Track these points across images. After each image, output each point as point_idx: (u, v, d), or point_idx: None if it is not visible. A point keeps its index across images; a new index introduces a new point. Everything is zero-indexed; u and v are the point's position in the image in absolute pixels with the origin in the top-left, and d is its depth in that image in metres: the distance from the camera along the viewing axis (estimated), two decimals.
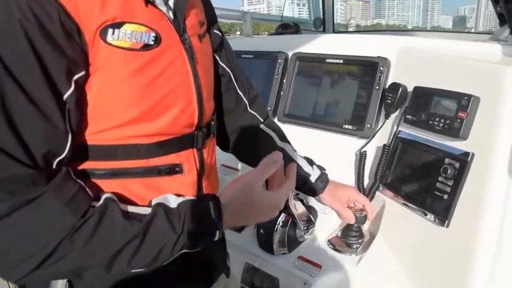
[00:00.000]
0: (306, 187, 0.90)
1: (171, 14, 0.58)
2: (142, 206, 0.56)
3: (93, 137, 0.53)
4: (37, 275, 0.46)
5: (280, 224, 0.93)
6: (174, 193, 0.59)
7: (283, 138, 0.90)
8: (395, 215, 0.98)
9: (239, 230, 1.06)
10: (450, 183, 0.83)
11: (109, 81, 0.51)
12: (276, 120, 1.28)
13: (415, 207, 0.91)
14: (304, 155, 0.93)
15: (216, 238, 0.57)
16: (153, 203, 0.56)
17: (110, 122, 0.53)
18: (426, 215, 0.87)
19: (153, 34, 0.54)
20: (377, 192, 1.02)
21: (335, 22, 2.78)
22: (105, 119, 0.52)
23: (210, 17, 0.75)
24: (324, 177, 0.92)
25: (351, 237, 0.98)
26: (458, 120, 0.83)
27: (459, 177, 0.81)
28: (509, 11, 1.05)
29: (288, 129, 0.97)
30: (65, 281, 0.57)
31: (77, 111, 0.49)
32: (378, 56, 1.12)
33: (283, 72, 1.34)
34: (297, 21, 2.47)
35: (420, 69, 1.03)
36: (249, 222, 0.68)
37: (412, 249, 0.91)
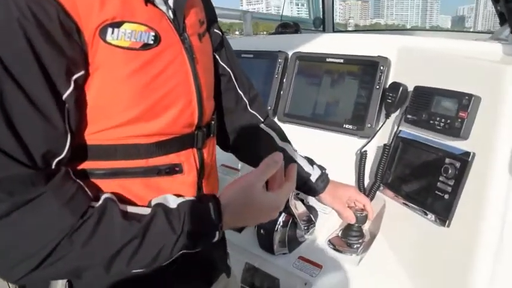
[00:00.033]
0: (307, 187, 0.90)
1: (170, 13, 0.58)
2: (142, 206, 0.56)
3: (92, 136, 0.53)
4: (36, 275, 0.46)
5: (281, 224, 0.93)
6: (174, 193, 0.59)
7: (284, 138, 0.90)
8: (396, 215, 0.97)
9: (239, 230, 1.06)
10: (451, 183, 0.82)
11: (109, 81, 0.50)
12: (276, 119, 1.28)
13: (415, 207, 0.90)
14: (304, 154, 0.92)
15: (216, 239, 0.57)
16: (153, 203, 0.56)
17: (110, 121, 0.52)
18: (427, 214, 0.87)
19: (152, 33, 0.53)
20: (377, 192, 1.02)
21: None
22: (105, 119, 0.52)
23: (210, 16, 0.74)
24: (324, 177, 0.92)
25: (352, 237, 0.98)
26: (459, 120, 0.83)
27: (460, 177, 0.81)
28: (510, 10, 1.05)
29: (288, 128, 0.96)
30: (64, 281, 0.57)
31: (76, 111, 0.49)
32: (378, 56, 1.12)
33: (283, 72, 1.33)
34: (296, 21, 2.47)
35: (421, 69, 1.02)
36: (248, 223, 0.68)
37: (413, 249, 0.91)
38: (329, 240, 1.00)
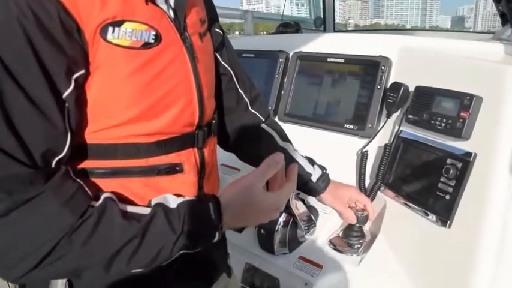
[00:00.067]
0: (307, 187, 0.90)
1: (171, 12, 0.58)
2: (142, 206, 0.55)
3: (92, 135, 0.52)
4: (35, 275, 0.46)
5: (281, 224, 0.93)
6: (175, 193, 0.59)
7: (285, 138, 0.90)
8: (396, 215, 0.97)
9: (240, 230, 1.06)
10: (452, 183, 0.82)
11: (109, 80, 0.50)
12: (276, 119, 1.28)
13: (416, 207, 0.90)
14: (305, 154, 0.92)
15: (216, 239, 0.57)
16: (153, 203, 0.56)
17: (110, 120, 0.52)
18: (428, 215, 0.87)
19: (153, 32, 0.53)
20: (378, 192, 1.02)
21: None
22: (105, 118, 0.52)
23: (211, 15, 0.74)
24: (325, 177, 0.92)
25: (352, 237, 0.98)
26: (461, 120, 0.82)
27: (461, 178, 0.81)
28: (511, 10, 1.05)
29: (288, 128, 0.96)
30: (64, 280, 0.56)
31: (76, 110, 0.48)
32: (380, 56, 1.11)
33: (284, 72, 1.33)
34: (297, 20, 2.47)
35: (422, 69, 1.02)
36: (249, 224, 0.68)
37: (414, 249, 0.91)
38: (329, 241, 1.00)
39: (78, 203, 0.48)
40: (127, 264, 0.50)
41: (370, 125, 1.09)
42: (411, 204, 0.92)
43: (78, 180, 0.50)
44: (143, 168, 0.56)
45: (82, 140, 0.52)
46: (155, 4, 0.54)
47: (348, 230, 0.99)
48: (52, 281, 0.57)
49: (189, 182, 0.62)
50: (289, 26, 2.00)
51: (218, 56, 0.79)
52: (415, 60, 1.06)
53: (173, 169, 0.60)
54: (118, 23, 0.49)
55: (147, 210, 0.53)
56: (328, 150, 1.04)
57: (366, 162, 1.06)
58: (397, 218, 0.97)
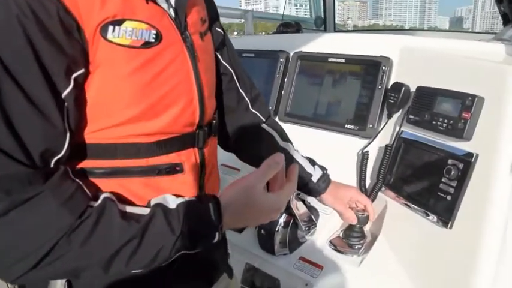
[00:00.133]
0: (308, 187, 0.90)
1: (172, 12, 0.57)
2: (141, 206, 0.55)
3: (92, 135, 0.52)
4: (33, 275, 0.46)
5: (282, 224, 0.92)
6: (175, 193, 0.58)
7: (285, 138, 0.89)
8: (397, 216, 0.97)
9: (240, 230, 1.06)
10: (454, 184, 0.82)
11: (109, 79, 0.50)
12: (277, 119, 1.27)
13: (417, 208, 0.90)
14: (305, 155, 0.92)
15: (216, 239, 0.56)
16: (152, 203, 0.55)
17: (110, 120, 0.52)
18: (429, 216, 0.86)
19: (153, 31, 0.53)
20: (379, 192, 1.01)
21: None
22: (105, 117, 0.52)
23: (212, 14, 0.74)
24: (325, 178, 0.91)
25: (353, 238, 0.97)
26: (462, 121, 0.82)
27: (463, 178, 0.80)
28: None
29: (289, 128, 0.96)
30: (63, 281, 0.56)
31: (75, 110, 0.48)
32: (381, 56, 1.11)
33: (284, 71, 1.33)
34: (297, 20, 2.46)
35: (423, 69, 1.02)
36: (249, 224, 0.68)
37: (415, 250, 0.91)
38: (330, 241, 0.99)
39: (77, 203, 0.47)
40: (126, 265, 0.50)
41: (371, 126, 1.09)
42: (412, 205, 0.91)
43: (77, 180, 0.50)
44: (143, 168, 0.56)
45: (81, 139, 0.52)
46: (156, 3, 0.54)
47: (349, 230, 0.98)
48: (51, 281, 0.56)
49: (189, 182, 0.62)
50: (289, 26, 2.00)
51: (219, 56, 0.78)
52: (416, 61, 1.06)
53: (173, 169, 0.59)
54: (118, 22, 0.49)
55: (146, 211, 0.53)
56: (328, 151, 1.04)
57: (366, 163, 1.06)
58: (398, 218, 0.97)
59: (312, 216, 1.00)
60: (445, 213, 0.82)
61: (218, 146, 0.79)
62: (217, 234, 0.56)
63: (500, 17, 1.25)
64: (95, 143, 0.53)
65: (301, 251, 0.97)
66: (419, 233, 0.90)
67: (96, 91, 0.50)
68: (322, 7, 2.70)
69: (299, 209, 0.94)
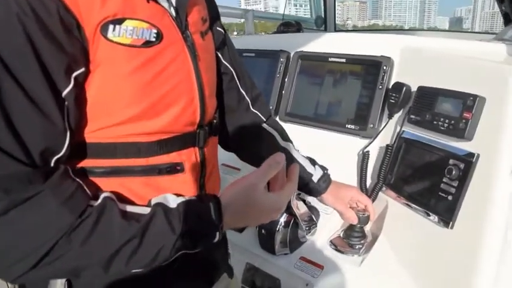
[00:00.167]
0: (308, 187, 0.89)
1: (173, 11, 0.57)
2: (141, 205, 0.55)
3: (92, 134, 0.52)
4: (33, 275, 0.45)
5: (282, 224, 0.92)
6: (175, 192, 0.58)
7: (286, 138, 0.89)
8: (398, 216, 0.97)
9: (240, 230, 1.05)
10: (455, 184, 0.82)
11: (110, 78, 0.50)
12: (277, 119, 1.27)
13: (418, 208, 0.90)
14: (306, 154, 0.92)
15: (216, 239, 0.56)
16: (153, 202, 0.55)
17: (111, 119, 0.52)
18: (430, 216, 0.86)
19: (154, 31, 0.53)
20: (380, 192, 1.01)
21: None
22: (106, 117, 0.52)
23: (213, 13, 0.74)
24: (326, 177, 0.91)
25: (354, 237, 0.97)
26: (464, 121, 0.82)
27: (464, 178, 0.80)
28: None
29: (289, 128, 0.96)
30: (64, 280, 0.56)
31: (76, 109, 0.48)
32: (382, 55, 1.11)
33: (285, 71, 1.33)
34: (298, 20, 2.46)
35: (424, 69, 1.02)
36: (249, 224, 0.67)
37: (415, 250, 0.91)
38: (331, 241, 0.99)
39: (77, 202, 0.47)
40: (126, 264, 0.49)
41: (371, 125, 1.09)
42: (413, 205, 0.91)
43: (78, 179, 0.50)
44: (143, 167, 0.56)
45: (82, 138, 0.52)
46: (156, 2, 0.54)
47: (349, 230, 0.98)
48: (51, 281, 0.56)
49: (189, 181, 0.62)
50: (290, 26, 1.99)
51: (219, 55, 0.78)
52: (417, 61, 1.05)
53: (174, 168, 0.59)
54: (119, 21, 0.49)
55: (146, 210, 0.53)
56: (329, 151, 1.04)
57: (367, 163, 1.06)
58: (399, 218, 0.96)
59: (313, 216, 0.99)
60: (446, 213, 0.82)
61: (219, 146, 0.79)
62: (217, 233, 0.56)
63: (500, 18, 1.25)
64: (95, 142, 0.52)
65: (302, 251, 0.97)
66: (420, 233, 0.90)
67: (97, 90, 0.50)
68: (322, 7, 2.70)
69: (300, 208, 0.94)
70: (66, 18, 0.45)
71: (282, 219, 0.92)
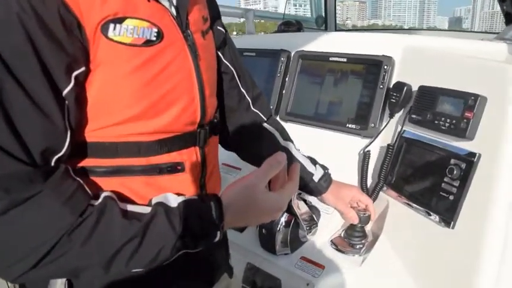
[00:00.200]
0: (309, 187, 0.89)
1: (173, 10, 0.57)
2: (142, 205, 0.55)
3: (93, 134, 0.52)
4: (34, 274, 0.45)
5: (283, 224, 0.92)
6: (176, 192, 0.58)
7: (286, 137, 0.89)
8: (399, 216, 0.96)
9: (241, 229, 1.05)
10: (456, 183, 0.81)
11: (110, 78, 0.50)
12: (278, 118, 1.27)
13: (419, 207, 0.89)
14: (307, 154, 0.91)
15: (217, 239, 0.56)
16: (153, 202, 0.55)
17: (111, 119, 0.52)
18: (431, 215, 0.86)
19: (155, 30, 0.53)
20: (381, 192, 1.01)
21: None
22: (106, 116, 0.51)
23: (214, 13, 0.74)
24: (327, 177, 0.91)
25: (354, 237, 0.97)
26: (465, 120, 0.82)
27: (465, 178, 0.80)
28: None
29: (290, 128, 0.96)
30: (64, 280, 0.56)
31: (76, 108, 0.48)
32: (382, 55, 1.10)
33: (285, 71, 1.32)
34: (298, 20, 2.45)
35: (425, 68, 1.01)
36: (250, 223, 0.67)
37: (416, 250, 0.90)
38: (331, 241, 0.99)
39: (78, 202, 0.47)
40: (127, 264, 0.49)
41: (372, 125, 1.08)
42: (414, 205, 0.91)
43: (78, 179, 0.50)
44: (144, 167, 0.56)
45: (82, 138, 0.51)
46: (157, 1, 0.54)
47: (350, 230, 0.98)
48: (51, 281, 0.56)
49: (190, 181, 0.62)
50: (290, 25, 1.99)
51: (220, 55, 0.78)
52: (418, 60, 1.05)
53: (174, 168, 0.59)
54: (119, 20, 0.49)
55: (147, 210, 0.52)
56: (330, 150, 1.04)
57: (368, 162, 1.06)
58: (400, 218, 0.96)
59: (314, 216, 0.99)
60: (447, 213, 0.82)
61: (219, 145, 0.79)
62: (218, 233, 0.56)
63: (499, 17, 1.25)
64: (96, 141, 0.52)
65: (303, 251, 0.97)
66: (421, 233, 0.90)
67: (97, 89, 0.50)
68: (323, 6, 2.69)
69: (300, 208, 0.94)
70: (66, 17, 0.45)
71: (283, 219, 0.92)
